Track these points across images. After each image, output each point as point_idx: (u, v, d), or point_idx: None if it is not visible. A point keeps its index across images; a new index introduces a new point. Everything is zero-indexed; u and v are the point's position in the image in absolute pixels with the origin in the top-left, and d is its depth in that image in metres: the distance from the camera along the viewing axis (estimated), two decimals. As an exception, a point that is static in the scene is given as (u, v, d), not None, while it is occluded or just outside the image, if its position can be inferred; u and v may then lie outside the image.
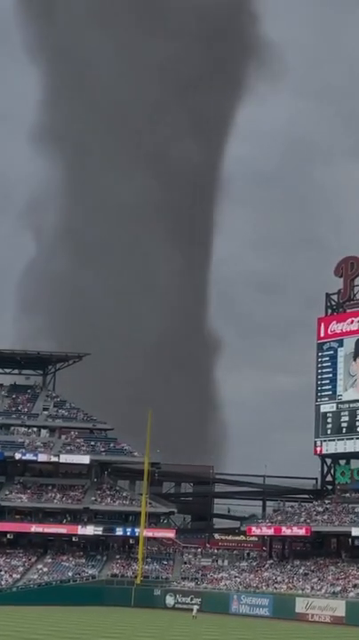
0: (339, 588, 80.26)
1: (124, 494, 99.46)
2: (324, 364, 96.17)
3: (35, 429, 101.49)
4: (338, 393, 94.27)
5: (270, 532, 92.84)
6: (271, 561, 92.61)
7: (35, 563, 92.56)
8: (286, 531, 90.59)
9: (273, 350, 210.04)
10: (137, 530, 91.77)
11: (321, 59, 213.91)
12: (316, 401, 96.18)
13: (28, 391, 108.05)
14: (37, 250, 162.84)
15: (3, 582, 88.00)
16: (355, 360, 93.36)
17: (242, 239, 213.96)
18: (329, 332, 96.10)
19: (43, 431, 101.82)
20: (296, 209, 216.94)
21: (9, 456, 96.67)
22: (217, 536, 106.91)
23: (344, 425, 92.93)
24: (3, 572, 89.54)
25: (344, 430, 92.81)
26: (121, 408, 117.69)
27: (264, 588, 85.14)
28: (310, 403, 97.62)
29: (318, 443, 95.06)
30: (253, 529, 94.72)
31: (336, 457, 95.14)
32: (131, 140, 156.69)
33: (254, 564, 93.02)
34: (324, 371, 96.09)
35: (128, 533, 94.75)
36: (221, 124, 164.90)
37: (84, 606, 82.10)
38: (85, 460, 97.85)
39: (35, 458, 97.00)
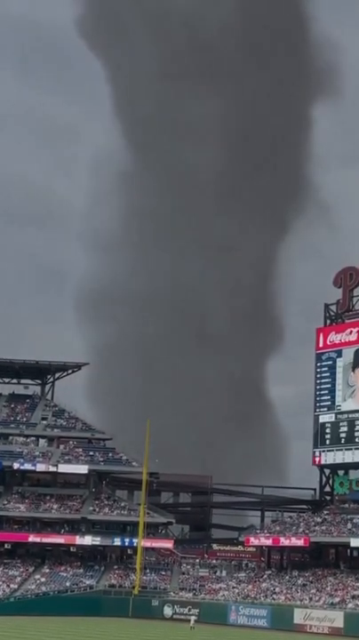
0: (337, 599, 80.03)
1: (122, 504, 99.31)
2: (323, 375, 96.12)
3: (33, 439, 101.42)
4: (336, 403, 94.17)
5: (268, 542, 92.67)
6: (269, 571, 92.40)
7: (32, 573, 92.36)
8: (284, 541, 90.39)
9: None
10: (135, 540, 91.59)
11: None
12: (315, 411, 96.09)
13: (27, 401, 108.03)
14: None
15: (0, 592, 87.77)
16: (353, 370, 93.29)
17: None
18: (328, 342, 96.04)
19: (42, 441, 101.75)
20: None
21: (7, 465, 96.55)
22: (215, 546, 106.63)
23: (343, 435, 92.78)
24: (0, 582, 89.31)
25: (343, 441, 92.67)
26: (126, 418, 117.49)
27: (262, 598, 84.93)
28: (309, 413, 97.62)
29: (317, 453, 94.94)
30: (251, 539, 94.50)
31: (334, 467, 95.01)
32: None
33: (252, 574, 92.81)
34: (323, 381, 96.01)
35: (126, 544, 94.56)
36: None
37: (82, 617, 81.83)
38: (83, 469, 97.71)
39: (33, 467, 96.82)
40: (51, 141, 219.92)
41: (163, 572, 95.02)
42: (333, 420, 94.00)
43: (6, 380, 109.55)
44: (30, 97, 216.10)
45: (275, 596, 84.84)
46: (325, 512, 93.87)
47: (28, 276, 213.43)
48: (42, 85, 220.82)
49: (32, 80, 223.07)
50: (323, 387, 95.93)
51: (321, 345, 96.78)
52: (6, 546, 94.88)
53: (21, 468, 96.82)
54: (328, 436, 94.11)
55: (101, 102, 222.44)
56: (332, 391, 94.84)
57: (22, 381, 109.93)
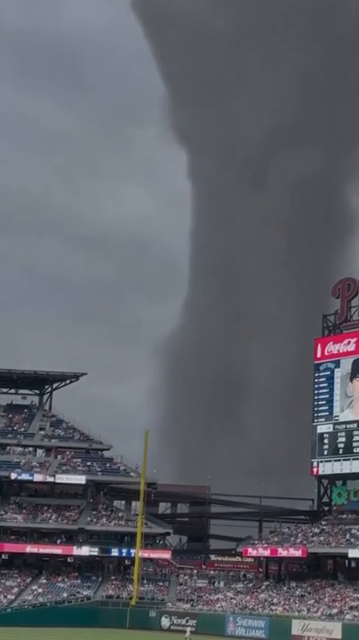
0: (335, 610, 79.85)
1: (120, 515, 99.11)
2: (321, 385, 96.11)
3: (31, 449, 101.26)
4: (334, 414, 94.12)
5: (266, 553, 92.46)
6: (267, 582, 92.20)
7: (29, 583, 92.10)
8: (282, 552, 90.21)
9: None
10: (132, 551, 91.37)
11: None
12: (313, 422, 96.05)
13: (25, 411, 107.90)
14: None
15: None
16: (351, 381, 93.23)
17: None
18: (326, 352, 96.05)
19: (39, 451, 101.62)
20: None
21: (4, 476, 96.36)
22: (213, 557, 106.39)
23: (340, 446, 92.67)
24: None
25: (340, 451, 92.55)
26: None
27: (260, 609, 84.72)
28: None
29: (315, 463, 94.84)
30: (249, 550, 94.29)
31: (332, 478, 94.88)
32: None
33: (250, 585, 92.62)
34: (321, 391, 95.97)
35: (123, 554, 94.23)
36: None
37: (79, 628, 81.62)
38: (81, 480, 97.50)
39: (30, 478, 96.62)
40: (48, 149, 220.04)
41: (161, 583, 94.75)
42: (331, 430, 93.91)
43: (4, 390, 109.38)
44: (27, 104, 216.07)
45: (272, 606, 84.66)
46: (323, 523, 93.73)
47: (25, 285, 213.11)
48: (39, 93, 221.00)
49: (29, 87, 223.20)
50: (320, 397, 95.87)
51: (319, 355, 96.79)
52: (3, 556, 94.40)
53: (19, 478, 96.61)
54: (326, 447, 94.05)
55: (98, 109, 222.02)
56: (330, 401, 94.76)
57: (20, 391, 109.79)
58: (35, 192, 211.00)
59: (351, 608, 79.43)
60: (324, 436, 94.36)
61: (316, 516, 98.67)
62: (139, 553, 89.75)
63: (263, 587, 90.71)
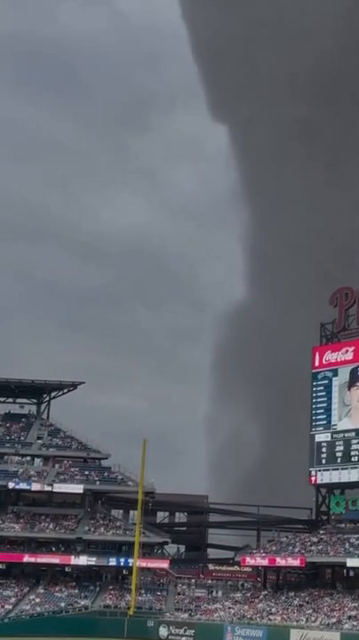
0: (333, 620, 79.69)
1: (118, 524, 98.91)
2: (319, 394, 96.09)
3: (28, 458, 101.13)
4: (332, 422, 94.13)
5: (264, 562, 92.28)
6: (265, 592, 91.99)
7: (27, 593, 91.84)
8: (280, 561, 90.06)
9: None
10: (130, 560, 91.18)
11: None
12: (311, 430, 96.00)
13: (22, 420, 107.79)
14: None
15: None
16: (349, 389, 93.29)
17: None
18: (323, 361, 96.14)
19: (37, 460, 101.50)
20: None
21: (2, 485, 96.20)
22: (211, 566, 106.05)
23: (339, 455, 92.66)
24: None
25: (339, 460, 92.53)
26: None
27: (258, 619, 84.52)
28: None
29: (313, 472, 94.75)
30: (247, 559, 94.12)
31: (331, 487, 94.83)
32: None
33: (248, 594, 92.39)
34: (319, 400, 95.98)
35: (121, 564, 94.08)
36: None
37: (77, 638, 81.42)
38: (79, 489, 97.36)
39: (28, 487, 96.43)
40: (44, 157, 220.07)
41: (159, 593, 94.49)
42: (329, 439, 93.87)
43: (1, 400, 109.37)
44: (24, 112, 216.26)
45: (271, 616, 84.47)
46: (321, 532, 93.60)
47: (22, 293, 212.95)
48: (36, 101, 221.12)
49: (27, 95, 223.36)
50: (318, 406, 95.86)
51: (316, 364, 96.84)
52: (1, 566, 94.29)
53: (16, 487, 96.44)
54: (324, 456, 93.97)
55: (96, 117, 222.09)
56: (328, 410, 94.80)
57: (18, 400, 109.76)
58: (32, 199, 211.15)
59: (349, 617, 79.26)
60: (322, 444, 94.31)
61: (315, 525, 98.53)
62: (136, 562, 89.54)
63: (261, 596, 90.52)
